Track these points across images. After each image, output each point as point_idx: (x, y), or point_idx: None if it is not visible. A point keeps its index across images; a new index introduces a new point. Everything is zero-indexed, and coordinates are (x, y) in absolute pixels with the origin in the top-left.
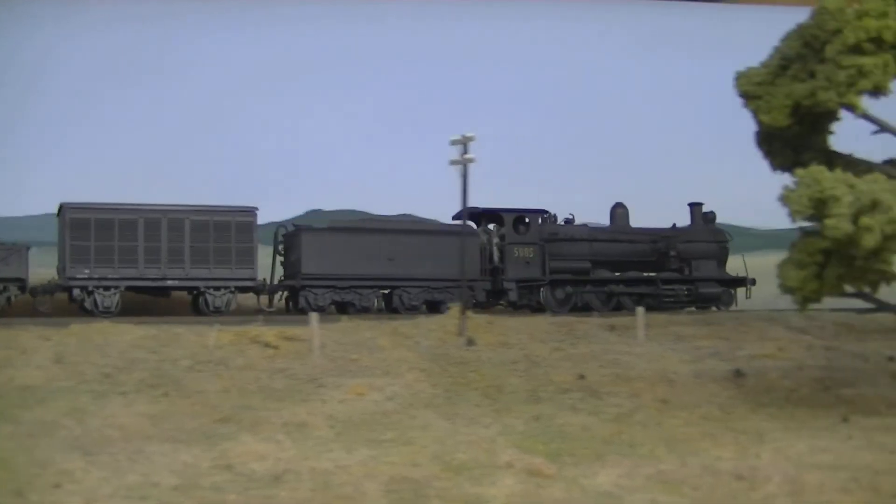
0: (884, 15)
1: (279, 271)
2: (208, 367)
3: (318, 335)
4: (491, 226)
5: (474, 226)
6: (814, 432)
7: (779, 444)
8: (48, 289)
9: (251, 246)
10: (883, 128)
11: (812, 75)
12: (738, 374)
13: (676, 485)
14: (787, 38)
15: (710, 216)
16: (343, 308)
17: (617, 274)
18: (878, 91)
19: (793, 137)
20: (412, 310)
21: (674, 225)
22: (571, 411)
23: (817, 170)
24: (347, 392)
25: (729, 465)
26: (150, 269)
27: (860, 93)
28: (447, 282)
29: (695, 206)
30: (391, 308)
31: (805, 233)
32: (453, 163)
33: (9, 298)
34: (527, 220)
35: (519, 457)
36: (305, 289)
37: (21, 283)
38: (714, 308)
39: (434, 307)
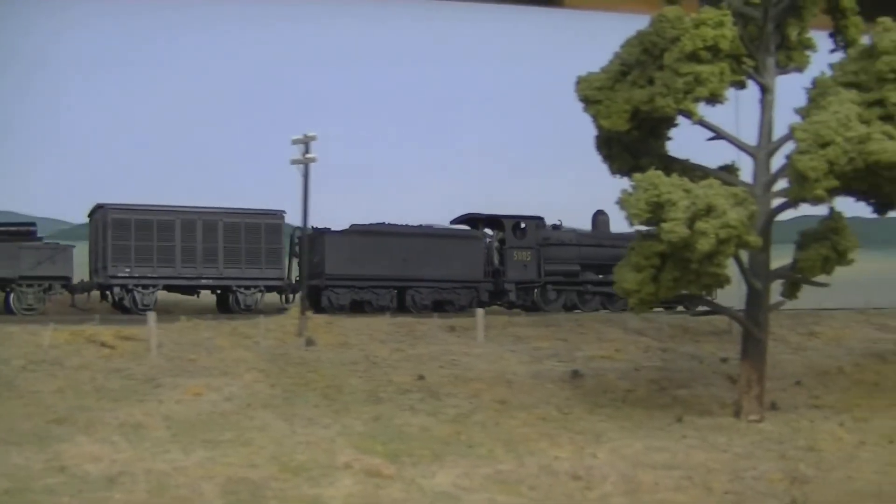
0: (720, 24)
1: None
2: (42, 366)
3: (155, 335)
4: (488, 230)
5: (488, 231)
6: (649, 432)
7: (615, 443)
8: (87, 287)
9: (279, 247)
10: (718, 134)
11: (651, 81)
12: (576, 375)
13: (514, 485)
14: (627, 44)
15: None
16: (360, 307)
17: (601, 276)
18: (714, 98)
19: (632, 142)
20: (424, 309)
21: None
22: (411, 412)
23: (655, 174)
24: (185, 392)
25: (566, 465)
26: (186, 268)
27: (697, 100)
28: (455, 283)
29: None
30: (403, 307)
31: (642, 236)
32: (294, 162)
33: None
34: (523, 225)
35: (358, 457)
36: (328, 289)
37: (66, 282)
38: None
39: (439, 306)
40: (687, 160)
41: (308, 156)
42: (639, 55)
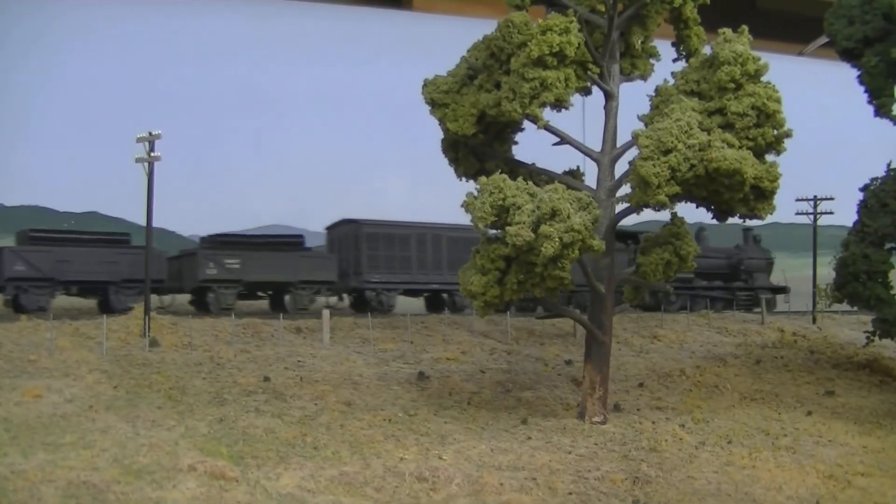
0: (567, 31)
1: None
2: None
3: None
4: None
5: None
6: (494, 434)
7: (461, 445)
8: (342, 289)
9: None
10: (563, 140)
11: (498, 86)
12: (422, 377)
13: (360, 486)
14: (474, 48)
15: (758, 238)
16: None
17: (705, 283)
18: (559, 104)
19: (478, 146)
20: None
21: (737, 245)
22: (256, 413)
23: (500, 178)
24: (24, 394)
25: (412, 467)
26: (419, 274)
27: (543, 105)
28: None
29: (747, 231)
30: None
31: (487, 239)
32: (139, 160)
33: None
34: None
35: (202, 460)
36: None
37: (331, 285)
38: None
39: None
40: (532, 164)
41: (153, 154)
42: (486, 59)
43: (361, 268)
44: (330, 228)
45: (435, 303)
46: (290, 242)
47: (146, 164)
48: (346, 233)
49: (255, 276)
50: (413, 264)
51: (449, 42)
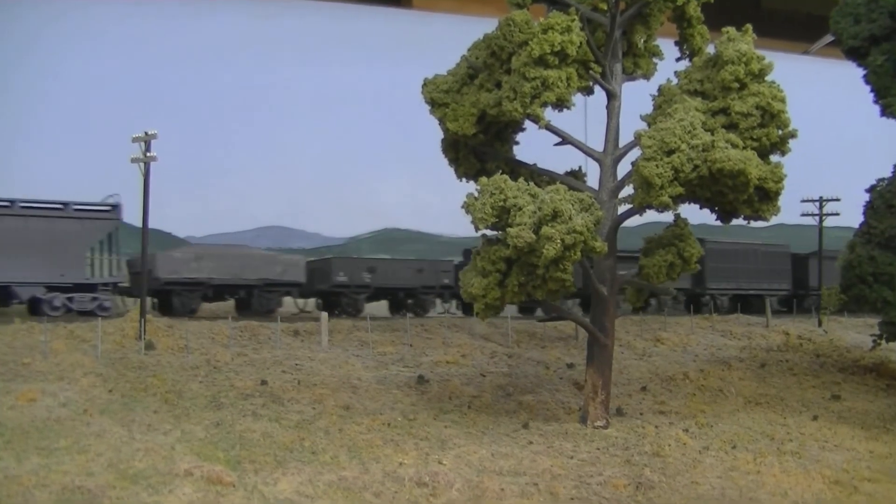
0: (568, 30)
1: None
2: None
3: None
4: None
5: None
6: (495, 438)
7: (461, 449)
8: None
9: (787, 269)
10: (565, 140)
11: (498, 85)
12: (422, 380)
13: (358, 492)
14: (475, 47)
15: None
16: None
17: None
18: (561, 104)
19: (478, 146)
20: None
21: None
22: (253, 417)
23: (501, 178)
24: (18, 398)
25: (411, 472)
26: (742, 282)
27: (544, 104)
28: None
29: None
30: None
31: (488, 241)
32: (134, 160)
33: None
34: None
35: (198, 464)
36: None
37: (451, 290)
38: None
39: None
40: (534, 165)
41: (149, 154)
42: (486, 58)
43: (705, 278)
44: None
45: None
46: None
47: (142, 165)
48: None
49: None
50: (741, 275)
51: (449, 41)
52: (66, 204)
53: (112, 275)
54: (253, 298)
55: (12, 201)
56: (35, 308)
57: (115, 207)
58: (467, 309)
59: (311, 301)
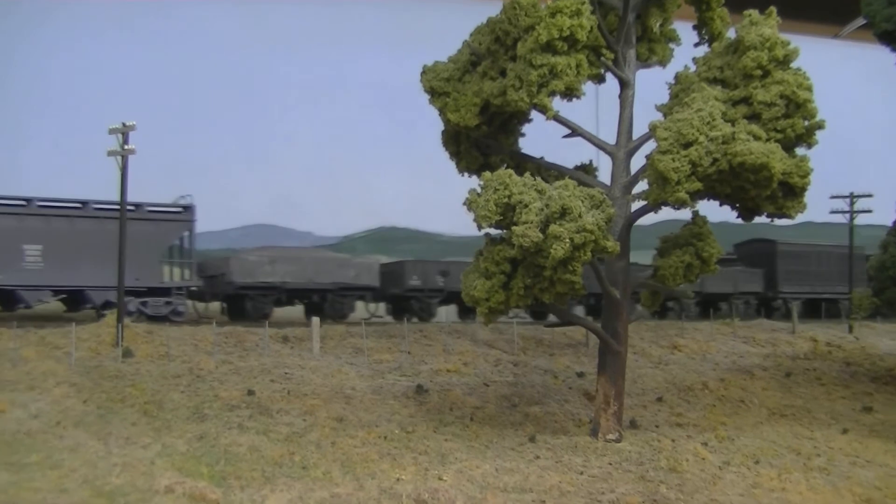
0: (578, 13)
1: None
2: None
3: None
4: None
5: None
6: (500, 452)
7: (462, 464)
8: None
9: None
10: (574, 132)
11: (503, 73)
12: (421, 390)
13: None
14: (477, 32)
15: None
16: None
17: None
18: (570, 93)
19: (481, 138)
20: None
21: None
22: (239, 430)
23: (505, 173)
24: None
25: (409, 488)
26: (816, 286)
27: (552, 94)
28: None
29: None
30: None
31: (491, 240)
32: (111, 154)
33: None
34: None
35: (180, 480)
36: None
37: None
38: None
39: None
40: (541, 159)
41: (127, 147)
42: (490, 44)
43: (777, 282)
44: (740, 245)
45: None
46: None
47: (119, 158)
48: (756, 249)
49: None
50: (811, 278)
51: (450, 26)
52: (138, 205)
53: (186, 278)
54: (326, 303)
55: (85, 202)
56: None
57: (189, 209)
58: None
59: (382, 306)
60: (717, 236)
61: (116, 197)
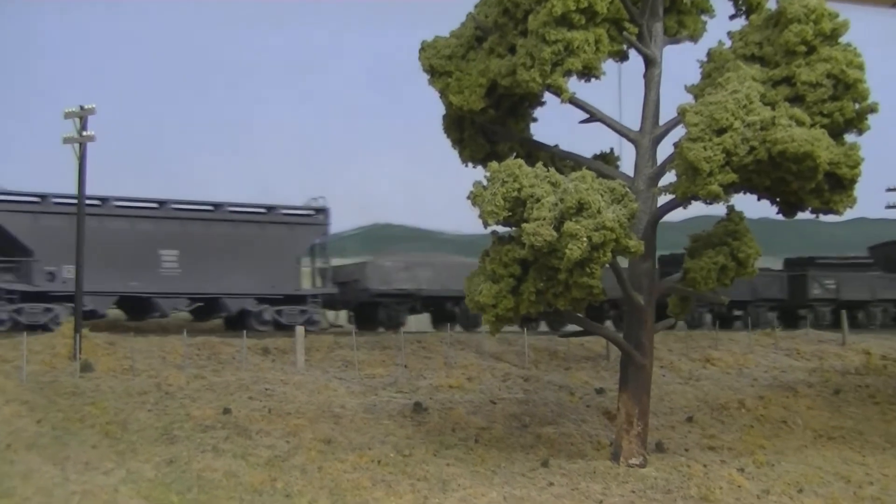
0: None
1: None
2: None
3: None
4: None
5: None
6: (508, 478)
7: (466, 492)
8: None
9: None
10: (593, 116)
11: (512, 50)
12: (419, 408)
13: None
14: (483, 3)
15: None
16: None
17: None
18: (588, 72)
19: (488, 124)
20: None
21: None
22: (214, 453)
23: (515, 163)
24: None
25: None
26: None
27: (567, 73)
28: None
29: None
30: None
31: (499, 239)
32: (67, 141)
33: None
34: None
35: None
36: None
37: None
38: None
39: None
40: (555, 147)
41: (85, 133)
42: (498, 17)
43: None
44: (875, 247)
45: None
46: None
47: (77, 146)
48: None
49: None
50: None
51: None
52: (272, 207)
53: (321, 285)
54: (458, 310)
55: (218, 205)
56: (236, 322)
57: (323, 212)
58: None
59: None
60: (755, 235)
61: (139, 194)
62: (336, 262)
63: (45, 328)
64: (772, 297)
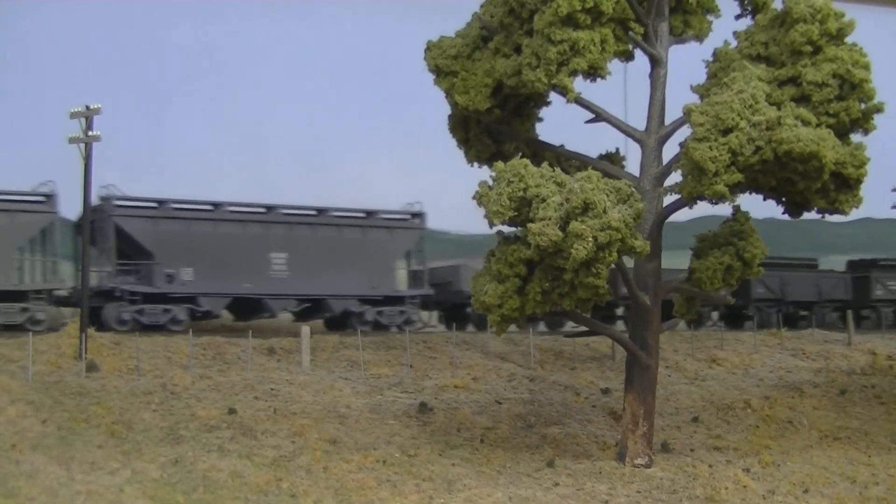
0: None
1: None
2: None
3: None
4: None
5: None
6: (514, 478)
7: (472, 492)
8: None
9: None
10: (599, 116)
11: (518, 50)
12: (424, 408)
13: None
14: (489, 3)
15: None
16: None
17: None
18: (593, 72)
19: (493, 124)
20: None
21: None
22: (219, 453)
23: (520, 163)
24: None
25: None
26: None
27: (573, 73)
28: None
29: None
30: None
31: (505, 239)
32: (72, 140)
33: None
34: None
35: None
36: None
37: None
38: None
39: None
40: (561, 147)
41: (91, 133)
42: (503, 17)
43: None
44: None
45: None
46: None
47: (82, 146)
48: None
49: None
50: None
51: None
52: (372, 212)
53: (418, 286)
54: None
55: (322, 209)
56: (338, 322)
57: (420, 216)
58: None
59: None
60: (761, 235)
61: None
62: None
63: (163, 329)
64: (836, 298)
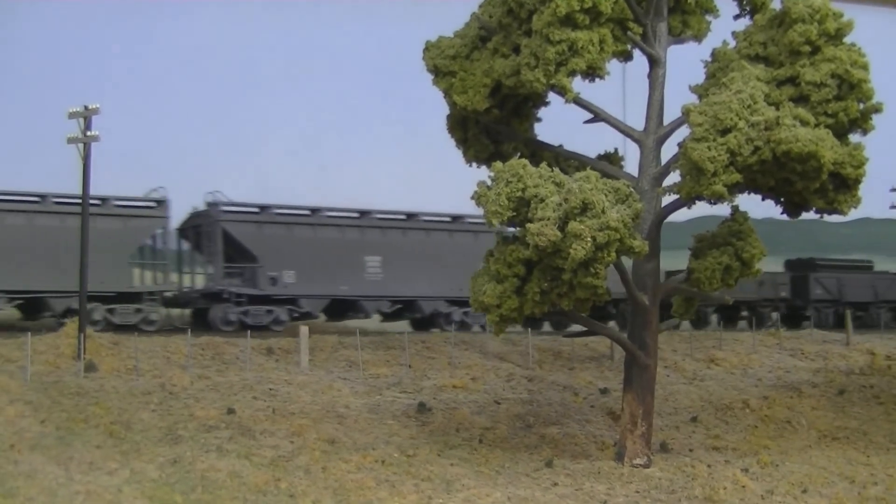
0: None
1: None
2: None
3: None
4: None
5: None
6: (512, 478)
7: (470, 492)
8: None
9: None
10: (598, 116)
11: (516, 50)
12: (423, 408)
13: None
14: (488, 3)
15: None
16: None
17: None
18: (592, 72)
19: (492, 124)
20: None
21: None
22: (218, 454)
23: (519, 163)
24: None
25: None
26: None
27: (572, 73)
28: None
29: None
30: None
31: (504, 239)
32: (71, 141)
33: None
34: None
35: None
36: None
37: None
38: None
39: None
40: (559, 147)
41: (90, 133)
42: (502, 17)
43: None
44: None
45: None
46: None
47: (81, 146)
48: None
49: None
50: None
51: None
52: (458, 217)
53: None
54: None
55: (414, 214)
56: (426, 323)
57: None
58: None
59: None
60: (759, 235)
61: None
62: None
63: (266, 329)
64: (892, 298)
